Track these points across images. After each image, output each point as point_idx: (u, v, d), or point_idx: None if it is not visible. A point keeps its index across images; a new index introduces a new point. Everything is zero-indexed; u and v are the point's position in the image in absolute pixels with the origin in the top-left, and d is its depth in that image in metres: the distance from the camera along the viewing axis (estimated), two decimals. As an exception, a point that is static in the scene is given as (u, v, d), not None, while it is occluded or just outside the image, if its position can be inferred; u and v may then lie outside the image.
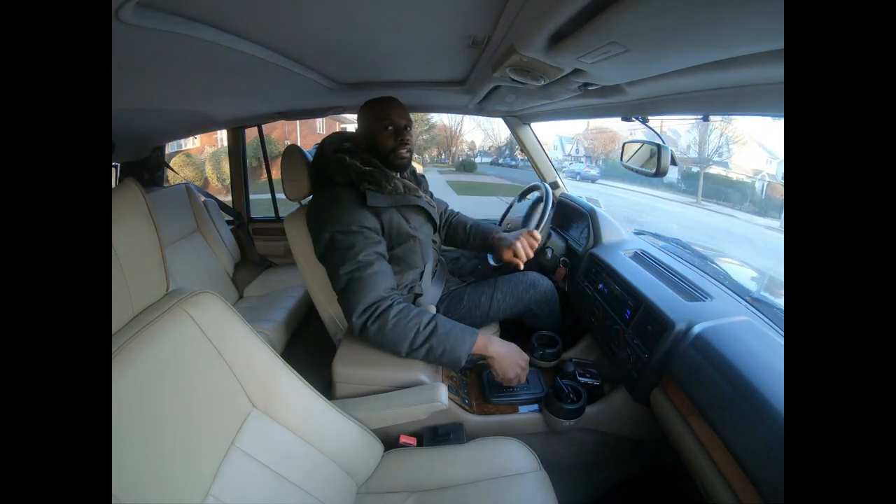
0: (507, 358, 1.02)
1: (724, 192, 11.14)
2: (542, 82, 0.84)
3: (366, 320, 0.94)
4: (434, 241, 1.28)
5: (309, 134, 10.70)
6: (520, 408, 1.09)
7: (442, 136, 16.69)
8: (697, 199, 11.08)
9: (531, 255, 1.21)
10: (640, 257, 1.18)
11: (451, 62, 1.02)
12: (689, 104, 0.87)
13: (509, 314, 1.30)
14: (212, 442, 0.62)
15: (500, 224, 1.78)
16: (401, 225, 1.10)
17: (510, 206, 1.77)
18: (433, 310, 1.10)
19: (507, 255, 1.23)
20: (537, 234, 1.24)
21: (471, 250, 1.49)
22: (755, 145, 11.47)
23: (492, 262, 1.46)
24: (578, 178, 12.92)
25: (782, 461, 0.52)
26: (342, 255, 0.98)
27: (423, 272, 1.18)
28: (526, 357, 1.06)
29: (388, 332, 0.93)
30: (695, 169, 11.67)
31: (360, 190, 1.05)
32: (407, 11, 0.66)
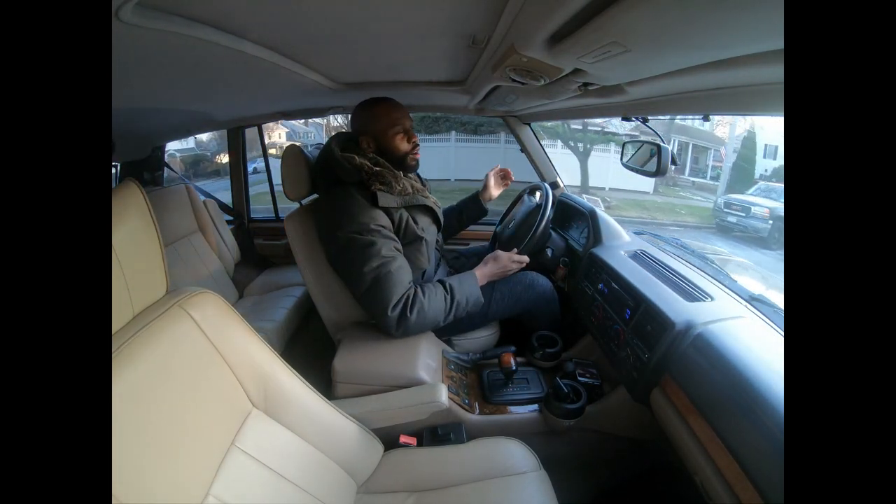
0: (499, 268, 1.20)
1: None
2: (542, 82, 0.84)
3: (402, 310, 0.99)
4: (437, 241, 1.29)
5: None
6: (520, 408, 1.09)
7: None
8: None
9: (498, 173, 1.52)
10: (640, 257, 1.18)
11: (451, 62, 1.02)
12: (689, 104, 0.87)
13: (508, 314, 1.30)
14: (212, 442, 0.62)
15: (502, 220, 1.78)
16: (409, 225, 1.11)
17: (515, 202, 1.77)
18: None
19: (486, 195, 1.51)
20: (507, 170, 1.53)
21: (470, 223, 1.61)
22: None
23: None
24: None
25: (782, 461, 0.52)
26: (364, 253, 1.00)
27: (424, 272, 1.19)
28: (509, 254, 1.22)
29: (427, 311, 1.02)
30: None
31: (370, 190, 1.06)
32: (407, 11, 0.66)
